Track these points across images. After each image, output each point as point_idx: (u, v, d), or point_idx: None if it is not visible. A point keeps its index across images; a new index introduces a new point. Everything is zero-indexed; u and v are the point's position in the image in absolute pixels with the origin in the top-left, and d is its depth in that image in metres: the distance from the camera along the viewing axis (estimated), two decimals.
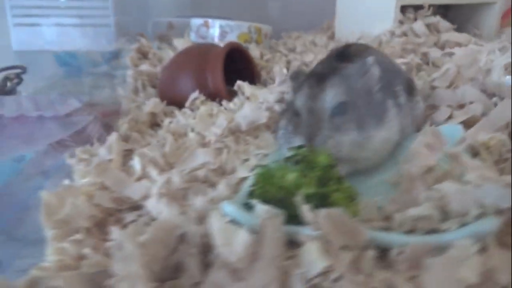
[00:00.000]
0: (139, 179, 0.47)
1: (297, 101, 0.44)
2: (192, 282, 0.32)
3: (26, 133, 0.62)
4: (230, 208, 0.37)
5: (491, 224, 0.30)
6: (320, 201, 0.35)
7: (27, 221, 0.45)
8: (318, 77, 0.45)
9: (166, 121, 0.69)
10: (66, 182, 0.47)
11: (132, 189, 0.45)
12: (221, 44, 0.89)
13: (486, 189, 0.31)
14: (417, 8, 1.08)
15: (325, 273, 0.30)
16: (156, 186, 0.42)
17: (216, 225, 0.33)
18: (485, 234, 0.29)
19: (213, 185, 0.45)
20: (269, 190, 0.38)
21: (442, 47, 0.89)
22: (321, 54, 0.98)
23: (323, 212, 0.32)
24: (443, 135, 0.43)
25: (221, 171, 0.48)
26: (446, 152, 0.38)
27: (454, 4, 1.16)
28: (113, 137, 0.55)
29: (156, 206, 0.41)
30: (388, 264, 0.31)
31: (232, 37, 1.13)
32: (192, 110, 0.79)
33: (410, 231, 0.33)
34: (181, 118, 0.68)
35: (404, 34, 0.98)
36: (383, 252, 0.32)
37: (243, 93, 0.80)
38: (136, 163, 0.48)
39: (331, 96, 0.43)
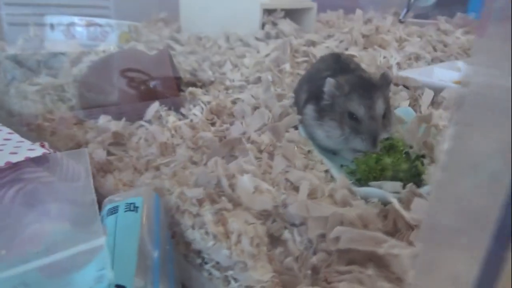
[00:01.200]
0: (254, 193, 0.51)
1: (359, 110, 0.57)
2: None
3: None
4: (366, 189, 0.51)
5: None
6: (413, 170, 0.53)
7: None
8: (364, 89, 0.59)
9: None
10: None
11: (262, 202, 0.49)
12: (104, 45, 0.85)
13: None
14: (268, 12, 1.30)
15: None
16: (302, 192, 0.49)
17: (396, 202, 0.46)
18: None
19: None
20: (376, 172, 0.53)
21: (307, 45, 1.16)
22: (222, 56, 1.08)
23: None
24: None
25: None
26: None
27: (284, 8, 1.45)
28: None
29: (302, 209, 0.49)
30: None
31: (113, 37, 1.05)
32: (148, 122, 0.76)
33: None
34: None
35: (277, 34, 1.19)
36: None
37: (195, 99, 0.83)
38: (246, 180, 0.51)
39: (381, 105, 0.58)
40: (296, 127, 0.67)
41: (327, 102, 0.61)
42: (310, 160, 0.60)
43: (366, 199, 0.50)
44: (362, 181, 0.54)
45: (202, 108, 0.79)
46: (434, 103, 0.79)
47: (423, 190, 0.50)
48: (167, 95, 0.78)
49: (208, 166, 0.57)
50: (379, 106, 0.58)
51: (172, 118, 0.75)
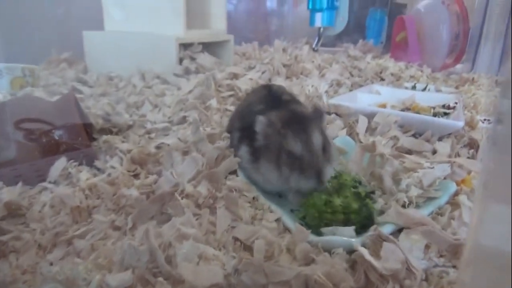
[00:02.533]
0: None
1: (296, 146, 0.51)
2: None
3: None
4: (328, 239, 0.45)
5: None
6: (364, 210, 0.48)
7: None
8: (298, 124, 0.53)
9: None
10: None
11: (210, 275, 0.40)
12: None
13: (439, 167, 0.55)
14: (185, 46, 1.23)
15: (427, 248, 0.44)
16: (257, 253, 0.40)
17: (365, 252, 0.40)
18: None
19: None
20: (326, 216, 0.47)
21: (231, 78, 1.10)
22: (139, 96, 0.97)
23: (400, 211, 0.46)
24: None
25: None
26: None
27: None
28: None
29: (259, 275, 0.40)
30: None
31: (3, 84, 0.88)
32: (54, 183, 0.63)
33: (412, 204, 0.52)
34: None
35: (197, 69, 1.12)
36: None
37: (111, 148, 0.71)
38: (187, 249, 0.41)
39: (318, 137, 0.53)
40: (236, 172, 0.59)
41: (261, 143, 0.55)
42: (257, 209, 0.52)
43: (328, 249, 0.43)
44: (312, 227, 0.48)
45: (121, 159, 0.67)
46: (368, 129, 0.77)
47: (385, 230, 0.45)
48: (77, 147, 0.65)
49: (136, 236, 0.46)
50: (317, 139, 0.53)
51: (84, 175, 0.62)
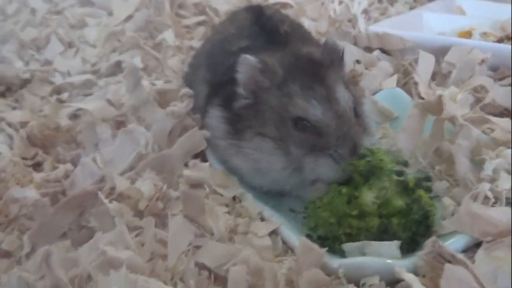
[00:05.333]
0: None
1: (314, 109, 0.53)
2: None
3: None
4: (355, 261, 0.47)
5: None
6: (415, 208, 0.50)
7: None
8: (311, 72, 0.55)
9: None
10: None
11: None
12: None
13: None
14: None
15: None
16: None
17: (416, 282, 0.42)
18: None
19: None
20: (350, 223, 0.49)
21: None
22: (41, 28, 0.98)
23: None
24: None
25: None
26: None
27: None
28: None
29: None
30: None
31: None
32: None
33: None
34: None
35: None
36: None
37: None
38: (116, 283, 0.43)
39: (345, 95, 0.55)
40: (204, 154, 0.61)
41: (246, 102, 0.57)
42: (240, 217, 0.54)
43: (356, 279, 0.45)
44: (328, 243, 0.49)
45: (11, 137, 0.69)
46: (436, 76, 0.78)
47: (452, 244, 0.46)
48: None
49: (34, 262, 0.48)
50: (344, 97, 0.55)
51: None
